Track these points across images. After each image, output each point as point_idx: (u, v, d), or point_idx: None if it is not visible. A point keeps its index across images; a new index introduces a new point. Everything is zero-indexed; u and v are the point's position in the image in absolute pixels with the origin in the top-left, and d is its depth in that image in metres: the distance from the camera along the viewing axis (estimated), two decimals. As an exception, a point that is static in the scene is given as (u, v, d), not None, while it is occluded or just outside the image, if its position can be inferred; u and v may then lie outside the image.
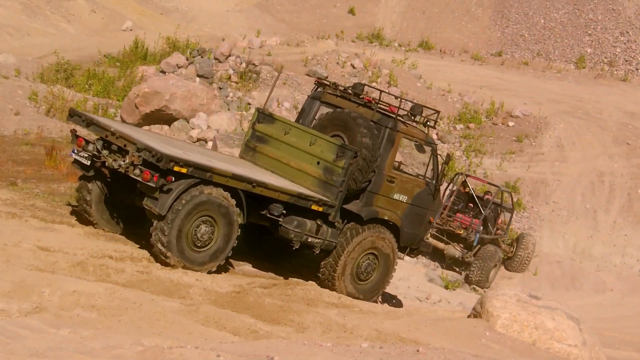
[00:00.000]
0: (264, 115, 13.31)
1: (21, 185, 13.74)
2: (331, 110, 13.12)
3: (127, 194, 11.75)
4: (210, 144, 21.18)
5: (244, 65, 27.04)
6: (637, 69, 41.05)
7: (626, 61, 41.41)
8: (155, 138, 12.52)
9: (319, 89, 13.60)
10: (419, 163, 13.12)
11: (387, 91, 13.55)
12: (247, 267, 12.69)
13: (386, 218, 12.94)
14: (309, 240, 12.22)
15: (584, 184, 28.61)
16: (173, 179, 10.81)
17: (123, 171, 11.02)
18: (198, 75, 26.07)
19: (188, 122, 22.23)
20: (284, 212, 11.93)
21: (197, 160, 11.08)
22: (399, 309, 12.52)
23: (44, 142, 17.09)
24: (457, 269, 21.79)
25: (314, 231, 12.22)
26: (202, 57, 27.18)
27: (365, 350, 7.90)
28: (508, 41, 43.71)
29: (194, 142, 21.58)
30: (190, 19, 41.75)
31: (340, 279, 12.74)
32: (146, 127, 22.10)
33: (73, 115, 12.02)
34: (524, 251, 22.86)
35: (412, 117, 13.07)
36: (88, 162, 11.58)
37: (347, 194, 12.47)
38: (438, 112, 13.49)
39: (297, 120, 13.65)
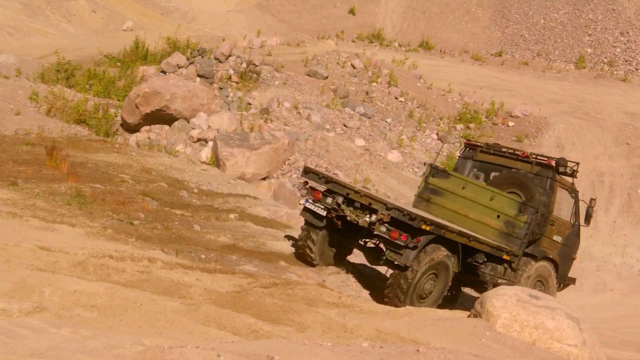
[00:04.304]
0: (437, 170, 14.91)
1: (22, 185, 13.73)
2: (485, 165, 15.03)
3: (348, 239, 13.50)
4: (210, 144, 21.18)
5: (244, 65, 27.04)
6: (637, 69, 41.06)
7: (626, 61, 41.42)
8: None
9: (468, 150, 15.43)
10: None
11: (532, 152, 15.65)
12: (248, 267, 12.70)
13: (551, 257, 14.77)
14: (499, 281, 13.90)
15: (584, 184, 28.59)
16: (421, 239, 12.05)
17: (366, 226, 12.51)
18: (198, 75, 26.07)
19: (188, 122, 22.25)
20: (485, 259, 13.61)
21: (435, 219, 12.53)
22: (399, 309, 12.51)
23: (44, 142, 17.08)
24: None
25: (502, 274, 14.04)
26: (202, 57, 27.18)
27: (365, 350, 7.91)
28: (508, 41, 43.73)
29: (194, 142, 21.61)
30: (191, 19, 41.79)
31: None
32: (146, 127, 22.14)
33: (308, 172, 13.34)
34: None
35: (559, 169, 14.66)
36: (324, 213, 13.07)
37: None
38: (577, 163, 15.00)
39: None
